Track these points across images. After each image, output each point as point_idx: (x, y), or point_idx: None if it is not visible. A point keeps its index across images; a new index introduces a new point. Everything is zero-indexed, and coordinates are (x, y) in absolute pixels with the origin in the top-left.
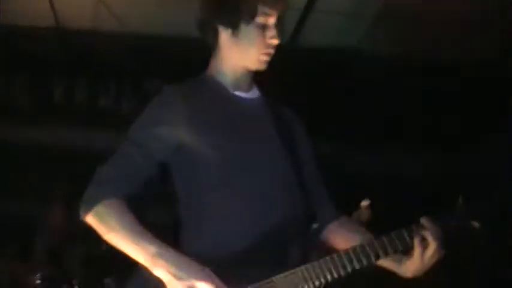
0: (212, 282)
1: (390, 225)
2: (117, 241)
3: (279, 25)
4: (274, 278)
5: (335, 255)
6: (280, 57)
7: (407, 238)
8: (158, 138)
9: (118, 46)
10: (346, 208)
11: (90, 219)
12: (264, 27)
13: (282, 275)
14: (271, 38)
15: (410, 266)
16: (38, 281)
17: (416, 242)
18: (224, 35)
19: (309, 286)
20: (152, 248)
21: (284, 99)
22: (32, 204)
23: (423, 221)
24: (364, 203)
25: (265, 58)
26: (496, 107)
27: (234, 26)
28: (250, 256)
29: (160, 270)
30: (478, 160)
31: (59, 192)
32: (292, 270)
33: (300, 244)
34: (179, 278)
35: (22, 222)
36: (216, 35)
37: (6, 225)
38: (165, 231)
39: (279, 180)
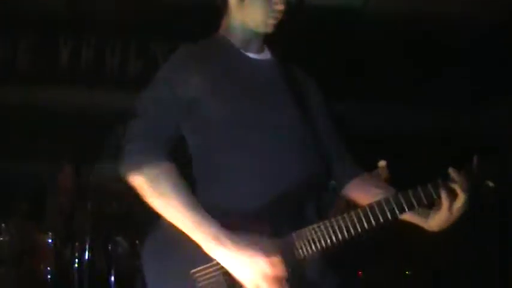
0: (273, 259)
1: (407, 185)
2: (165, 208)
3: None
4: (293, 234)
5: (359, 210)
6: (287, 17)
7: (434, 191)
8: (176, 98)
9: (124, 6)
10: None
11: (138, 180)
12: None
13: (301, 230)
14: (276, 3)
15: (438, 219)
16: (50, 240)
17: (444, 194)
18: (232, 0)
19: (326, 242)
20: (213, 229)
21: (292, 59)
22: (41, 165)
23: (452, 173)
24: (382, 163)
25: (271, 21)
26: (508, 67)
27: None
28: (267, 213)
29: (218, 251)
30: (492, 120)
31: (68, 152)
32: (312, 226)
33: (317, 200)
34: (240, 259)
35: (32, 182)
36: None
37: (17, 185)
38: None
39: (293, 138)
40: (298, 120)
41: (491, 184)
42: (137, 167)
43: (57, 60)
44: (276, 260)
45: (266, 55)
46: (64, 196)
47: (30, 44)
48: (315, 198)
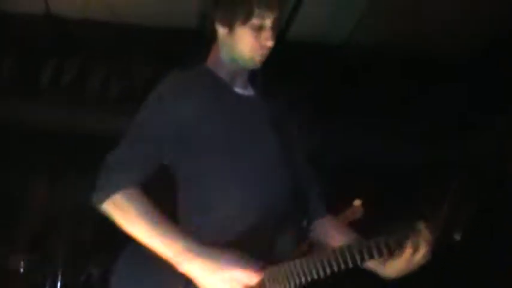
0: (250, 269)
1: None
2: (138, 233)
3: (275, 26)
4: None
5: (319, 255)
6: (271, 51)
7: (399, 242)
8: (164, 126)
9: (108, 34)
10: (339, 199)
11: (108, 208)
12: (259, 29)
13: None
14: (266, 39)
15: (397, 267)
16: (21, 270)
17: (408, 245)
18: (221, 32)
19: (290, 284)
20: (181, 243)
21: (277, 92)
22: (17, 184)
23: (418, 226)
24: (357, 202)
25: (259, 58)
26: (488, 99)
27: (229, 27)
28: (243, 243)
29: (191, 265)
30: (471, 149)
31: (42, 174)
32: (278, 265)
33: (289, 233)
34: (214, 271)
35: (5, 204)
36: (215, 29)
37: None
38: None
39: (272, 171)
40: (278, 155)
41: (457, 238)
42: (105, 196)
43: (38, 79)
44: (254, 274)
45: (250, 90)
46: (36, 220)
47: (11, 62)
48: (288, 230)
